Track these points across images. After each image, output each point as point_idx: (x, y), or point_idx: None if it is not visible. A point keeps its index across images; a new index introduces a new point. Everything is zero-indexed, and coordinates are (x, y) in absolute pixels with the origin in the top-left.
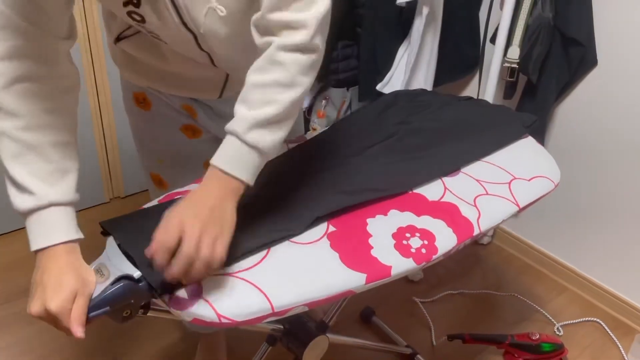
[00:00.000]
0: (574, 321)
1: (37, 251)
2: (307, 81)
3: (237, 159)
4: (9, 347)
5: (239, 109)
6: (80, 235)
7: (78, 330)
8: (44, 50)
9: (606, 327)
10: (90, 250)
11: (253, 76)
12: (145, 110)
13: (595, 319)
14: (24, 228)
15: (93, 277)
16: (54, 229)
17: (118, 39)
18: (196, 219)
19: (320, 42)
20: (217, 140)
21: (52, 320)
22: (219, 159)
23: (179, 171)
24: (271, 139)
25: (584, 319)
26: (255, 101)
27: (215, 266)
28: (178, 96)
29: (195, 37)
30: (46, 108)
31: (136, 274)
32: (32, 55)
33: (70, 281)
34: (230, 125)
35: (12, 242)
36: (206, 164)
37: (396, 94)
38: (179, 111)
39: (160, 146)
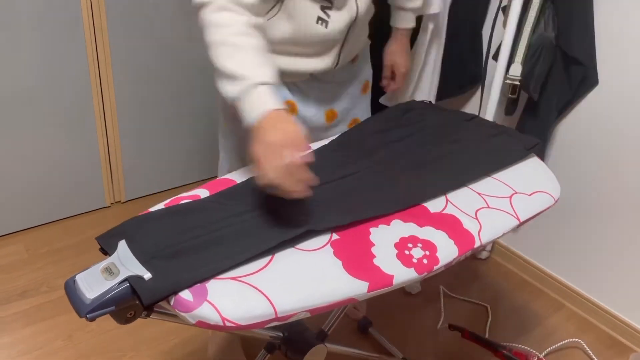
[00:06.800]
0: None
1: (253, 125)
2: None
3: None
4: (8, 347)
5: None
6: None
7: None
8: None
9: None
10: (92, 254)
11: None
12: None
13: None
14: (23, 230)
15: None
16: (266, 100)
17: None
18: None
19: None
20: None
21: (290, 173)
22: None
23: None
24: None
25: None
26: None
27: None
28: (284, 88)
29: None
30: (251, 22)
31: (146, 275)
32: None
33: (297, 128)
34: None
35: (12, 244)
36: None
37: (402, 108)
38: None
39: (245, 144)
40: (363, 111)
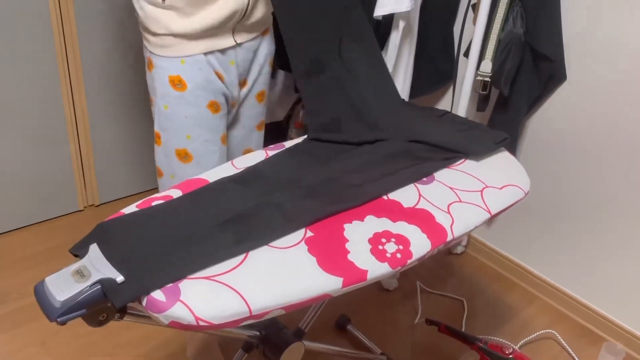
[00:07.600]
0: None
1: None
2: None
3: None
4: None
5: None
6: None
7: None
8: None
9: (565, 343)
10: (65, 259)
11: None
12: (181, 91)
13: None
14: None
15: None
16: None
17: None
18: None
19: None
20: (226, 116)
21: None
22: None
23: (202, 143)
24: None
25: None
26: None
27: None
28: (213, 59)
29: None
30: None
31: (118, 278)
32: None
33: None
34: None
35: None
36: (223, 138)
37: None
38: (209, 82)
39: (189, 122)
40: (266, 85)
